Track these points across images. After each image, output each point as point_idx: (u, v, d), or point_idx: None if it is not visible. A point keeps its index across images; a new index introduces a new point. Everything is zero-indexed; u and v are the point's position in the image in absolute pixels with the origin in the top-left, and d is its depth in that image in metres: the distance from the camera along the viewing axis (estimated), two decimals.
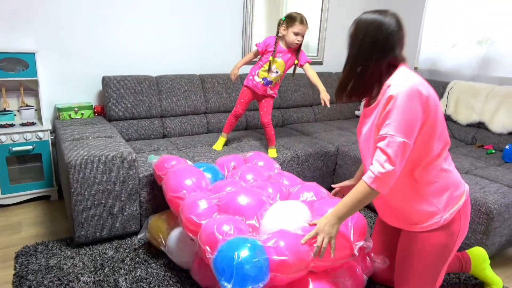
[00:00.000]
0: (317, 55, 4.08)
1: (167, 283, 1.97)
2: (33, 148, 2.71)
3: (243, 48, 3.60)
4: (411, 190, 1.53)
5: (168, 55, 3.29)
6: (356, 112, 4.11)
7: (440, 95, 3.49)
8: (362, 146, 1.62)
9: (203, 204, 1.81)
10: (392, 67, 1.47)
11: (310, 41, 4.02)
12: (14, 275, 1.99)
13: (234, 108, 2.85)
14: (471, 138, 3.26)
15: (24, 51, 2.65)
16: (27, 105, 2.86)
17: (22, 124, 2.75)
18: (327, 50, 4.12)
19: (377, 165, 1.36)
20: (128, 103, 2.94)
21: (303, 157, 2.92)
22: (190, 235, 1.79)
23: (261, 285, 1.48)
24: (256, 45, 2.75)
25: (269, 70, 2.68)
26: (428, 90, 1.40)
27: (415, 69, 4.09)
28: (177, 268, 2.09)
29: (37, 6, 2.73)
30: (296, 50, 2.70)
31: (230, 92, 3.33)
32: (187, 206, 1.83)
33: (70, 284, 1.93)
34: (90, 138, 2.42)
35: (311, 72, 2.71)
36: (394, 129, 1.34)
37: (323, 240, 1.49)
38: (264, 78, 2.71)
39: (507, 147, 2.82)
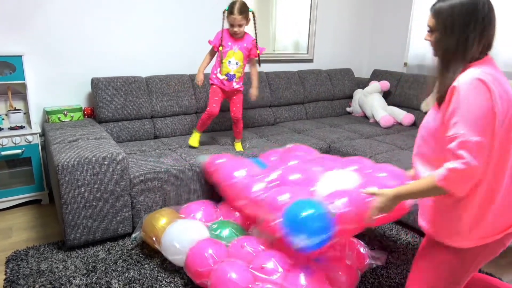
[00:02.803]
0: (307, 53, 4.08)
1: (160, 284, 1.96)
2: (23, 152, 2.68)
3: None
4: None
5: (158, 56, 3.27)
6: (348, 109, 4.11)
7: (430, 91, 3.50)
8: (424, 139, 1.44)
9: (260, 184, 2.00)
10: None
11: (300, 39, 4.02)
12: (4, 280, 1.97)
13: (208, 108, 2.75)
14: None
15: (11, 54, 2.62)
16: (15, 109, 2.82)
17: (11, 128, 2.72)
18: (317, 48, 4.12)
19: (451, 163, 1.21)
20: (118, 104, 2.92)
21: None
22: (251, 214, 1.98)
23: (328, 236, 1.58)
24: (209, 42, 2.71)
25: (229, 64, 2.67)
26: (497, 88, 1.22)
27: (405, 64, 4.11)
28: (170, 269, 2.08)
29: (24, 8, 2.70)
30: (253, 39, 2.71)
31: None
32: (246, 187, 2.02)
33: (62, 287, 1.91)
34: (80, 140, 2.40)
35: (254, 69, 2.82)
36: (463, 128, 1.19)
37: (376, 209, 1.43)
38: (227, 74, 2.69)
39: None
